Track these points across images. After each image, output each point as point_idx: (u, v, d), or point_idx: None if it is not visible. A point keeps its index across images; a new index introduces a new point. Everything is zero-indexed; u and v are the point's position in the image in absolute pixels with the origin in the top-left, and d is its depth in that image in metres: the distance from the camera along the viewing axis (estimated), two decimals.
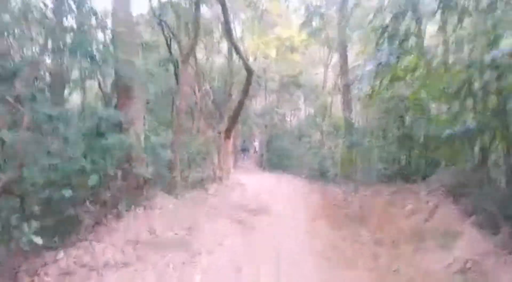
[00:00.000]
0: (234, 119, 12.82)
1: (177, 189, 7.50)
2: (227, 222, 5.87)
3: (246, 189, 9.98)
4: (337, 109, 18.07)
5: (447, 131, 3.60)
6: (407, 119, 6.70)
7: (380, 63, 4.38)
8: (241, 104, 12.26)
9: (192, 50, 8.99)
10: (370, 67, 4.78)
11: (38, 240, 3.19)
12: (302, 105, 21.69)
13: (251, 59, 20.30)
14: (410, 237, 3.66)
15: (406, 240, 3.67)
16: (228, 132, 13.12)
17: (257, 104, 26.27)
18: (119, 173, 5.03)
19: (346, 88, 11.12)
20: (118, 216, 5.02)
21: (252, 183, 11.88)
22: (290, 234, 5.25)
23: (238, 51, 11.80)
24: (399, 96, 6.45)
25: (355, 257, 4.06)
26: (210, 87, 16.19)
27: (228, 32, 11.61)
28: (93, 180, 4.10)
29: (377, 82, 5.68)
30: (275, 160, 19.16)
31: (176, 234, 5.00)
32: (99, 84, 9.86)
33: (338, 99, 18.36)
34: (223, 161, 13.12)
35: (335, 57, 19.39)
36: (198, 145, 12.34)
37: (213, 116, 15.36)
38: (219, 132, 13.54)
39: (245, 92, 11.87)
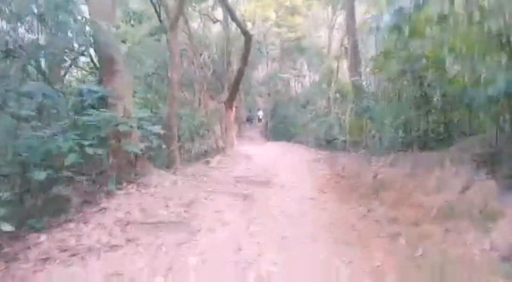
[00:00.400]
0: (234, 89, 12.10)
1: (175, 163, 7.06)
2: (228, 196, 5.45)
3: (250, 159, 9.54)
4: (344, 74, 17.06)
5: (488, 92, 2.92)
6: (426, 80, 5.92)
7: (400, 10, 3.55)
8: (241, 72, 11.46)
9: (180, 12, 8.09)
10: (387, 18, 3.95)
11: (6, 227, 2.76)
12: (306, 72, 20.59)
13: (249, 25, 18.99)
14: (436, 216, 3.11)
15: (432, 219, 3.12)
16: (229, 102, 12.46)
17: (259, 72, 25.18)
18: (107, 150, 4.55)
19: (354, 49, 10.20)
20: (109, 195, 4.62)
21: (256, 153, 11.44)
22: (295, 208, 4.82)
23: (233, 15, 10.76)
24: (418, 54, 5.64)
25: (366, 235, 3.60)
26: (209, 57, 15.26)
27: None
28: (70, 158, 3.61)
29: (393, 39, 4.87)
30: (280, 128, 18.65)
31: (172, 212, 4.58)
32: (91, 58, 9.14)
33: (344, 64, 17.27)
34: (226, 132, 12.62)
35: (341, 17, 17.94)
36: (200, 116, 11.79)
37: (214, 87, 14.61)
38: (223, 102, 12.89)
39: (244, 59, 11.02)
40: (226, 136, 12.64)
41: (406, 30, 4.21)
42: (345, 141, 10.11)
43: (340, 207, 4.74)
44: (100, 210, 4.29)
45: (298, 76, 18.99)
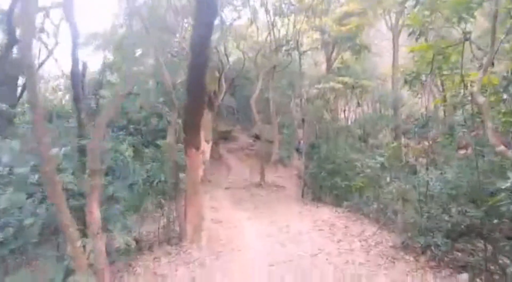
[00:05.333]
0: (194, 106, 4.79)
1: None
2: None
3: None
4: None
5: None
6: None
7: None
8: (200, 69, 4.13)
9: None
10: None
11: None
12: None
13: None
14: None
15: None
16: (191, 137, 5.20)
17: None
18: None
19: None
20: None
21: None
22: None
23: None
24: None
25: None
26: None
27: None
28: None
29: None
30: (323, 178, 10.42)
31: None
32: None
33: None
34: (182, 202, 5.31)
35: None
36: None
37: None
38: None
39: (201, 29, 3.76)
40: (183, 212, 5.35)
41: None
42: None
43: None
44: None
45: (353, 87, 10.71)
